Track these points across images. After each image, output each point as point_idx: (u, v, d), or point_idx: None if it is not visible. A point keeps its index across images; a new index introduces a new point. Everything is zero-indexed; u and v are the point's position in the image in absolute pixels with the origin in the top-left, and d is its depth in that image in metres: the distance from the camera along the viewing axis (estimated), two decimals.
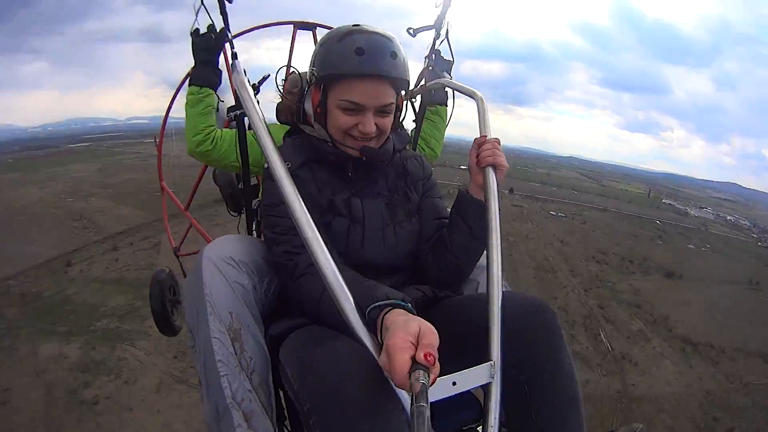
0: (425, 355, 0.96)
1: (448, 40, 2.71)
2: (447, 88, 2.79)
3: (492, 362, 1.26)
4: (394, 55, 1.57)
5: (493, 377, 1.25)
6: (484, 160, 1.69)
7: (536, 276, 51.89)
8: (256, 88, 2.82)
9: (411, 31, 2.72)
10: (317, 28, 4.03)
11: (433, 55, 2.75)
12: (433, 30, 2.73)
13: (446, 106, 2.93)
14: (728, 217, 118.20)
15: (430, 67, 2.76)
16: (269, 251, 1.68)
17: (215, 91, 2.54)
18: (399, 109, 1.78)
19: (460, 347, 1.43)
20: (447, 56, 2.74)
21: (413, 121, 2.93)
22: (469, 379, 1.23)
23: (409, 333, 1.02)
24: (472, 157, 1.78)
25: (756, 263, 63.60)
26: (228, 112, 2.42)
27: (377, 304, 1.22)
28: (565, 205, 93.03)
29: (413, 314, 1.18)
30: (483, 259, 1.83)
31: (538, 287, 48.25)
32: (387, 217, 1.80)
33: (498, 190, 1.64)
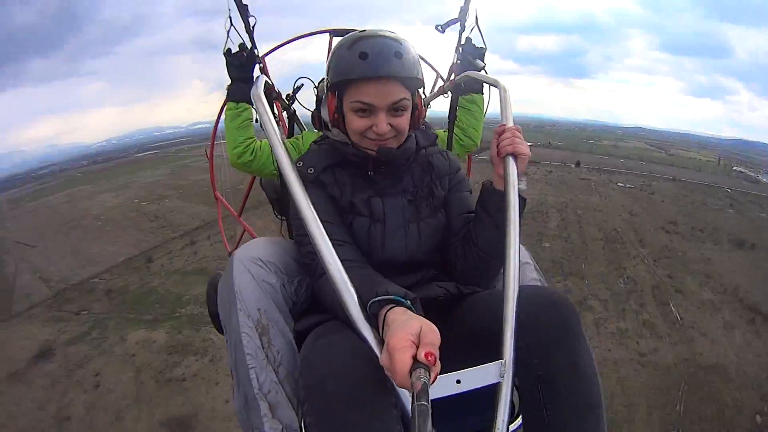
0: (426, 354, 0.98)
1: (478, 27, 2.71)
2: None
3: (502, 361, 1.25)
4: (399, 55, 1.62)
5: (502, 377, 1.24)
6: (504, 149, 1.71)
7: (605, 247, 51.35)
8: (292, 98, 3.11)
9: (439, 27, 2.77)
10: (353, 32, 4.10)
11: (461, 48, 2.79)
12: (459, 23, 2.76)
13: (482, 94, 2.93)
14: None
15: (458, 61, 2.81)
16: (298, 252, 1.77)
17: (252, 105, 2.63)
18: (417, 108, 1.81)
19: (476, 345, 1.47)
20: (479, 44, 2.77)
21: (447, 117, 2.97)
22: (475, 377, 1.22)
23: (410, 332, 1.05)
24: (492, 147, 1.80)
25: None
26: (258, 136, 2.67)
27: (377, 299, 1.26)
28: (632, 176, 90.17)
29: (415, 312, 1.23)
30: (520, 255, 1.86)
31: (606, 258, 48.54)
32: (410, 214, 1.84)
33: (521, 179, 1.66)
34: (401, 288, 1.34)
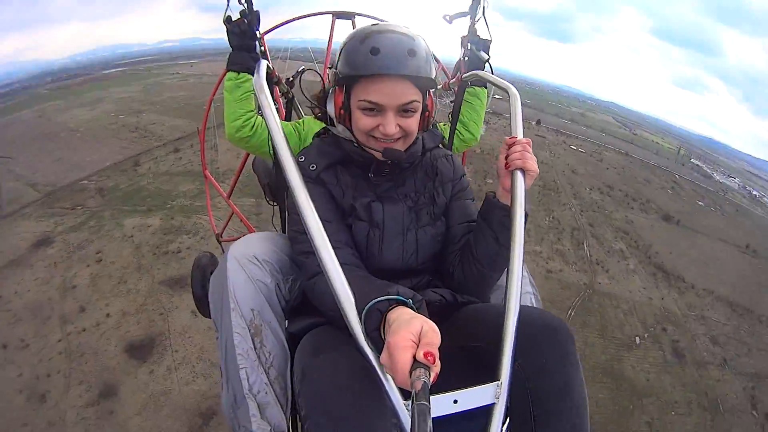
0: (425, 354, 0.96)
1: (485, 19, 2.63)
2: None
3: (499, 383, 1.23)
4: (412, 52, 1.53)
5: (497, 398, 1.22)
6: (513, 163, 1.61)
7: (541, 192, 53.98)
8: (291, 84, 3.15)
9: (447, 17, 2.66)
10: (356, 17, 3.97)
11: (469, 44, 2.68)
12: (468, 16, 2.66)
13: (485, 87, 2.83)
14: (753, 192, 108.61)
15: (466, 57, 2.71)
16: (292, 248, 1.70)
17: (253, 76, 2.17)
18: (427, 109, 1.70)
19: (472, 360, 1.44)
20: (485, 35, 2.68)
21: (449, 114, 2.85)
22: (472, 397, 1.21)
23: (411, 331, 1.01)
24: (501, 158, 1.68)
25: (761, 235, 62.90)
26: (259, 109, 2.47)
27: (379, 299, 1.20)
28: (587, 143, 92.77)
29: (417, 312, 1.17)
30: None
31: (540, 201, 50.95)
32: (410, 220, 1.77)
33: (526, 195, 1.55)
34: (409, 290, 1.28)
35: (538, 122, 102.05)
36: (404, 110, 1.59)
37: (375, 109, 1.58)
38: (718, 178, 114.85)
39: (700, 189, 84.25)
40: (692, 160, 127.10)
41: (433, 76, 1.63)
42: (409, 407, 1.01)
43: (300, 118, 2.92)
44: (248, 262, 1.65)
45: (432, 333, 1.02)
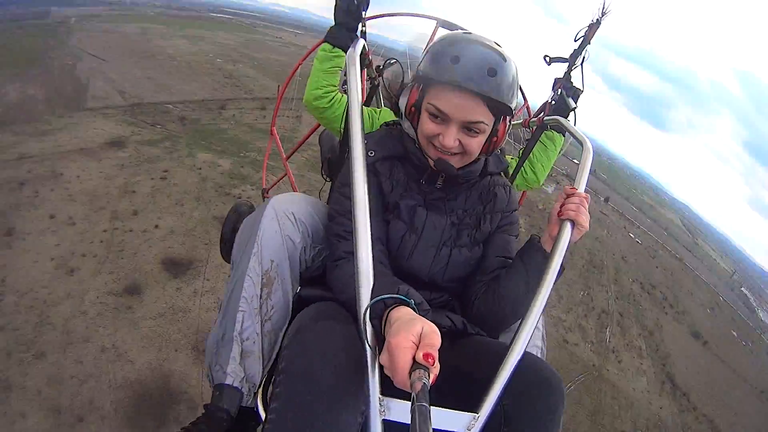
0: (425, 356, 0.96)
1: (582, 69, 2.63)
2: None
3: (475, 416, 1.19)
4: (492, 71, 1.48)
5: (469, 430, 1.18)
6: (567, 212, 1.61)
7: (584, 267, 53.64)
8: (380, 71, 3.24)
9: (547, 58, 2.69)
10: (458, 30, 3.89)
11: (560, 90, 2.67)
12: (566, 64, 2.65)
13: (563, 136, 2.80)
14: None
15: (553, 101, 2.71)
16: (326, 226, 1.72)
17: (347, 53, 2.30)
18: (496, 134, 1.66)
19: (467, 389, 1.37)
20: (579, 84, 2.68)
21: (520, 150, 2.87)
22: (443, 419, 1.17)
23: (412, 332, 1.02)
24: (555, 206, 1.68)
25: None
26: (342, 85, 2.49)
27: (382, 297, 1.21)
28: (647, 236, 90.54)
29: (419, 313, 1.17)
30: None
31: (580, 274, 50.87)
32: (449, 236, 1.78)
33: (568, 249, 1.52)
34: (418, 295, 1.33)
35: (607, 200, 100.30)
36: (468, 128, 1.58)
37: (440, 117, 1.58)
38: (761, 315, 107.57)
39: (739, 319, 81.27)
40: (742, 289, 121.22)
41: (511, 105, 1.59)
42: (383, 402, 1.09)
43: (379, 107, 3.00)
44: (284, 216, 1.69)
45: (432, 334, 1.03)
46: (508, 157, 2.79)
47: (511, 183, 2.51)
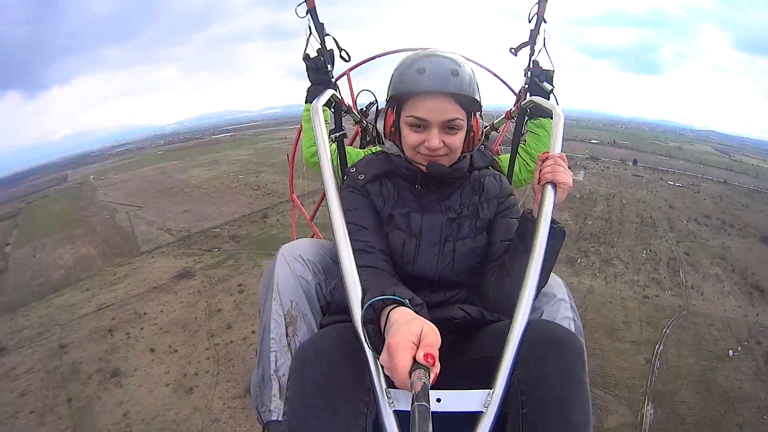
0: (425, 356, 0.97)
1: (546, 50, 2.72)
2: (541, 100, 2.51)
3: (490, 391, 1.17)
4: (455, 72, 1.64)
5: (486, 407, 1.14)
6: (543, 176, 1.65)
7: (638, 228, 54.78)
8: (365, 113, 3.38)
9: (512, 50, 2.81)
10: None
11: (529, 73, 2.79)
12: (529, 47, 2.78)
13: (550, 118, 2.59)
14: None
15: (526, 85, 2.82)
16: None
17: (329, 108, 2.57)
18: (472, 130, 1.80)
19: (480, 371, 1.36)
20: (548, 65, 2.77)
21: (511, 141, 2.86)
22: (457, 400, 1.15)
23: (412, 333, 1.03)
24: (535, 174, 1.72)
25: None
26: (329, 134, 2.56)
27: (379, 298, 1.22)
28: (685, 176, 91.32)
29: (413, 309, 1.20)
30: (548, 287, 1.87)
31: (637, 236, 51.93)
32: (449, 231, 1.83)
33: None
34: (408, 291, 1.33)
35: (635, 162, 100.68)
36: (448, 127, 1.70)
37: (421, 125, 1.70)
38: None
39: None
40: None
41: (476, 97, 1.73)
42: (391, 395, 1.12)
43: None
44: (294, 260, 1.81)
45: (432, 334, 1.04)
46: (505, 156, 2.98)
47: (511, 176, 2.86)
